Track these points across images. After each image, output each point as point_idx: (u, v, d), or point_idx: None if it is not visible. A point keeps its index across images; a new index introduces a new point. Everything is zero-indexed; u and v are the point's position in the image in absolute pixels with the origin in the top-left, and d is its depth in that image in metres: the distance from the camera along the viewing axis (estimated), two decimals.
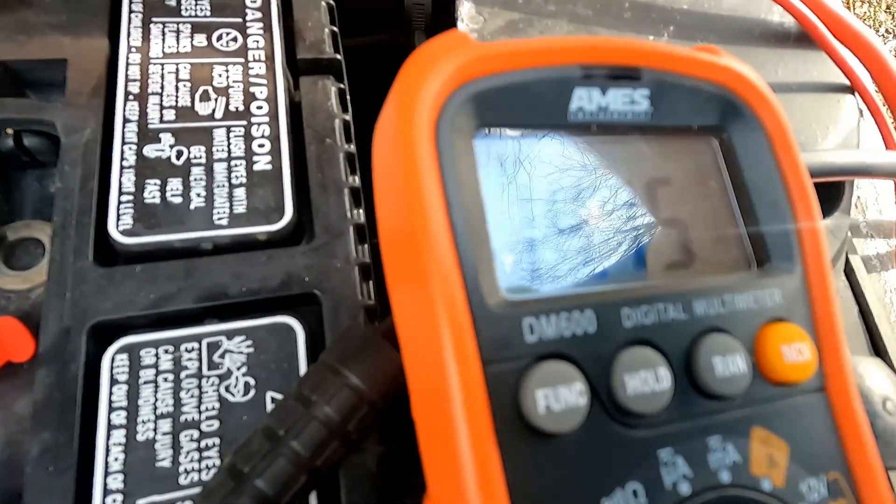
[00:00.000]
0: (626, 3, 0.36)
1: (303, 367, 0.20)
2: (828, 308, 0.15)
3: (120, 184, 0.21)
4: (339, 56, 0.27)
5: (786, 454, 0.13)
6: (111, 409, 0.18)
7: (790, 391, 0.14)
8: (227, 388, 0.19)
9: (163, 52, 0.24)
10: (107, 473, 0.18)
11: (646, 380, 0.12)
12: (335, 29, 0.27)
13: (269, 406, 0.19)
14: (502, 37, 0.33)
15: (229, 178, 0.22)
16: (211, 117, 0.23)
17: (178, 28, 0.25)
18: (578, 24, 0.34)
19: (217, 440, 0.19)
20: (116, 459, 0.18)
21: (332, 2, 0.28)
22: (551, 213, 0.15)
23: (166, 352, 0.19)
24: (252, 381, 0.20)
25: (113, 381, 0.19)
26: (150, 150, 0.22)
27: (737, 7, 0.38)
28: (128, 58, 0.24)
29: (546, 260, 0.14)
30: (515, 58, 0.14)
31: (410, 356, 0.14)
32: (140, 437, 0.18)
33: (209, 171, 0.22)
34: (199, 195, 0.22)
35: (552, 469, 0.12)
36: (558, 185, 0.15)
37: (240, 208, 0.22)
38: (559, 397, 0.12)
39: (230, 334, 0.20)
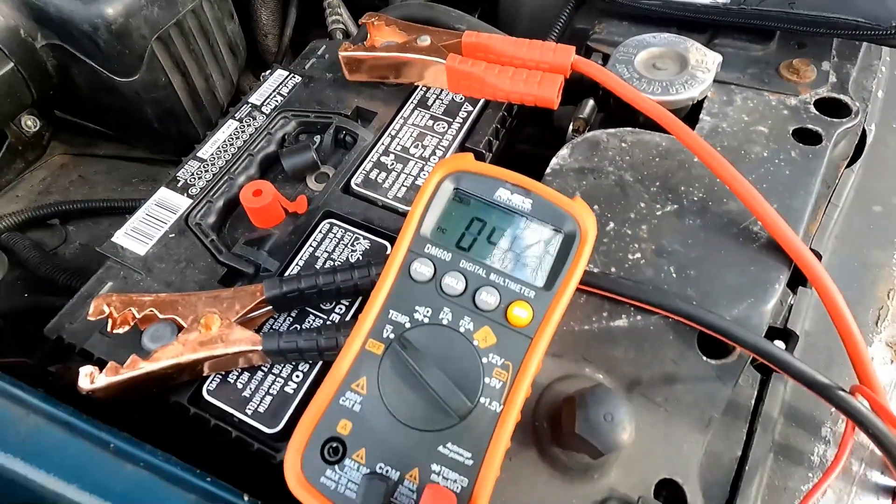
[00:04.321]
0: None
1: None
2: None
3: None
4: (490, 153, 0.51)
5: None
6: None
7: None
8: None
9: (412, 121, 0.52)
10: None
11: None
12: (500, 133, 0.52)
13: None
14: None
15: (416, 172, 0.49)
16: (416, 156, 0.50)
17: (423, 113, 0.53)
18: None
19: None
20: None
21: (508, 116, 0.52)
22: None
23: None
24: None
25: None
26: (384, 159, 0.50)
27: None
28: (398, 119, 0.53)
29: None
30: (481, 167, 0.36)
31: None
32: None
33: (408, 172, 0.49)
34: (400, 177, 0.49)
35: None
36: None
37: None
38: None
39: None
